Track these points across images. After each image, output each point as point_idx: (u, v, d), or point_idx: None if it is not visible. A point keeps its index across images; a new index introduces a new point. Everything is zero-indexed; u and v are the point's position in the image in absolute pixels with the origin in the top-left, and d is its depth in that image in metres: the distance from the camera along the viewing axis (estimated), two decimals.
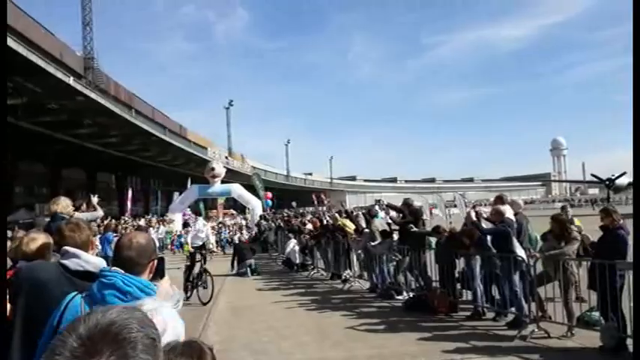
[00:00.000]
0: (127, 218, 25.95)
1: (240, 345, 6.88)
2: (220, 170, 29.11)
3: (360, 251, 11.85)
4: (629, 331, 5.90)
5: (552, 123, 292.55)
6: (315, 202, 43.51)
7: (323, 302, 9.68)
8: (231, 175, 40.67)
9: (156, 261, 2.04)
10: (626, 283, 6.03)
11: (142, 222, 24.69)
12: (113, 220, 20.86)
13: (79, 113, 24.12)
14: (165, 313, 1.51)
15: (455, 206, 21.48)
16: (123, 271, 1.85)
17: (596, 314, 6.37)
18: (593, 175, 48.15)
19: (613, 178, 43.16)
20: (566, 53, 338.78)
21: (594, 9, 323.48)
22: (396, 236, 10.55)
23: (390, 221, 11.71)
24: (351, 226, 12.61)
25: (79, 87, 21.70)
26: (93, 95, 22.82)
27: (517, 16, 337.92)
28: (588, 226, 8.33)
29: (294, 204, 38.50)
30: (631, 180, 42.24)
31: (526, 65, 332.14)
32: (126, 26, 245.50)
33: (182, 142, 38.95)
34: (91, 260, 2.35)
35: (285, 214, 27.67)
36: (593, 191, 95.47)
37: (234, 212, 34.74)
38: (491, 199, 10.64)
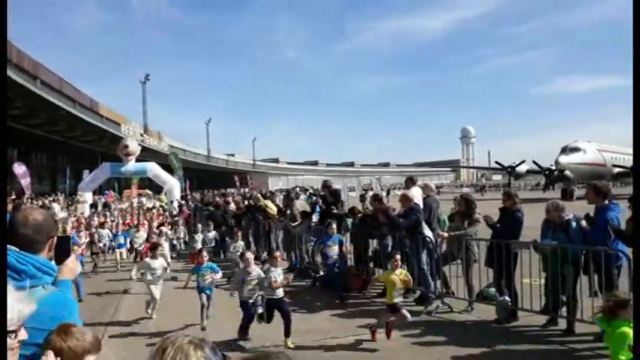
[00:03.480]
0: (30, 197, 23.96)
1: (153, 330, 6.74)
2: (134, 148, 27.73)
3: (280, 232, 11.97)
4: (519, 304, 6.55)
5: (462, 112, 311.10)
6: (238, 184, 42.87)
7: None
8: (148, 154, 38.91)
9: (55, 238, 1.94)
10: (519, 262, 6.66)
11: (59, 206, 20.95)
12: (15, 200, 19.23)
13: None
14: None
15: (372, 189, 22.26)
16: (17, 250, 1.74)
17: (492, 290, 6.95)
18: (497, 163, 51.55)
19: (514, 165, 46.57)
20: (477, 46, 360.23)
21: (503, 6, 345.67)
22: (315, 217, 10.77)
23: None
24: (272, 208, 12.67)
25: None
26: None
27: (435, 8, 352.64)
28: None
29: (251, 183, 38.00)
30: (528, 168, 46.06)
31: (440, 56, 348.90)
32: None
33: (93, 117, 36.45)
34: None
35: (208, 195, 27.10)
36: (497, 177, 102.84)
37: (149, 192, 33.32)
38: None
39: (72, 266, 2.05)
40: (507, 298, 6.54)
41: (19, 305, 1.47)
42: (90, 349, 1.72)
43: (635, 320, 3.28)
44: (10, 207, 14.48)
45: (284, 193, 20.34)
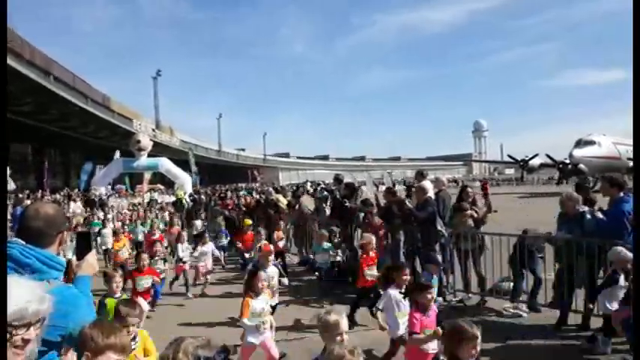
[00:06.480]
0: (45, 192, 24.27)
1: (173, 325, 6.79)
2: (146, 143, 28.01)
3: (291, 227, 11.98)
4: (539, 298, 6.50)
5: (475, 105, 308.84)
6: (250, 178, 43.02)
7: None
8: (160, 149, 39.18)
9: (65, 232, 1.93)
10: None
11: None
12: (28, 194, 19.46)
13: None
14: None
15: (383, 184, 22.12)
16: (23, 242, 1.72)
17: (505, 284, 6.90)
18: (509, 156, 50.93)
19: (527, 159, 45.99)
20: (488, 38, 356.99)
21: None
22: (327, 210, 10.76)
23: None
24: (283, 202, 12.68)
25: None
26: None
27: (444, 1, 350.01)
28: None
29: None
30: (542, 161, 45.50)
31: (449, 49, 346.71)
32: None
33: (105, 113, 36.73)
34: None
35: (220, 191, 27.22)
36: (510, 171, 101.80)
37: (161, 187, 33.54)
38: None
39: (92, 261, 2.04)
40: (521, 312, 6.52)
41: (33, 303, 1.42)
42: (112, 346, 1.71)
43: (635, 320, 3.20)
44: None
45: (294, 188, 20.35)
